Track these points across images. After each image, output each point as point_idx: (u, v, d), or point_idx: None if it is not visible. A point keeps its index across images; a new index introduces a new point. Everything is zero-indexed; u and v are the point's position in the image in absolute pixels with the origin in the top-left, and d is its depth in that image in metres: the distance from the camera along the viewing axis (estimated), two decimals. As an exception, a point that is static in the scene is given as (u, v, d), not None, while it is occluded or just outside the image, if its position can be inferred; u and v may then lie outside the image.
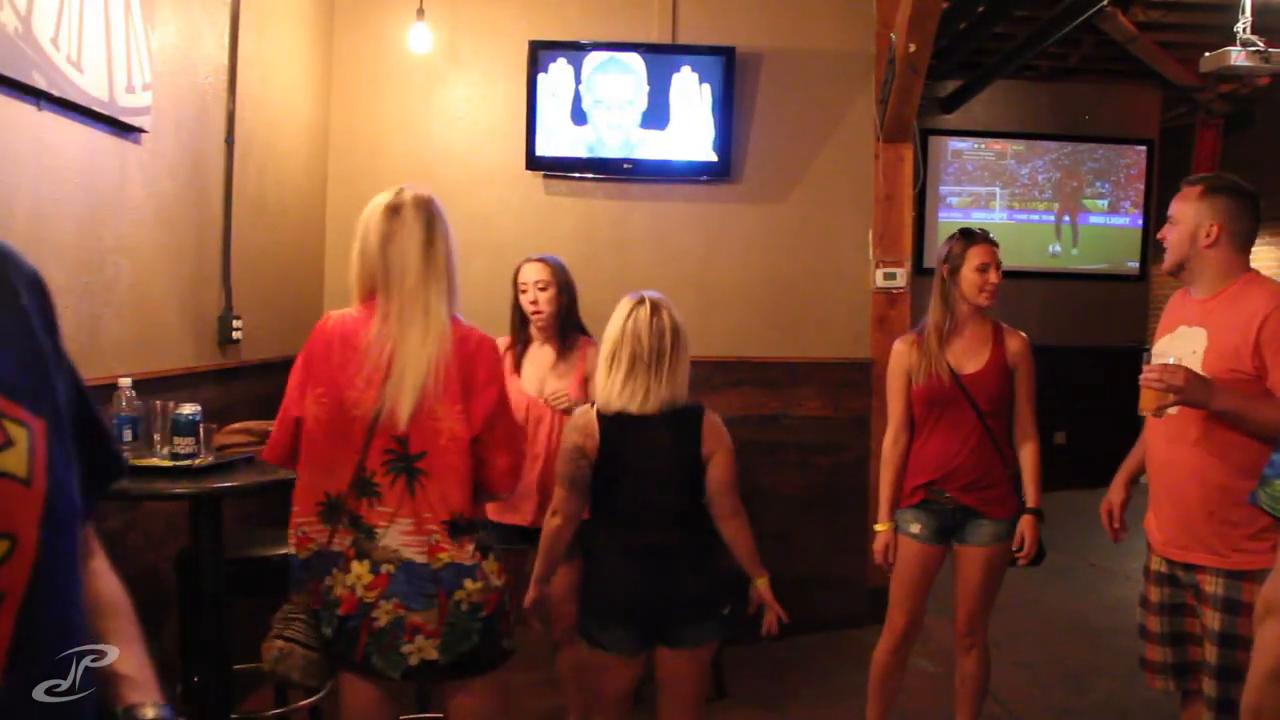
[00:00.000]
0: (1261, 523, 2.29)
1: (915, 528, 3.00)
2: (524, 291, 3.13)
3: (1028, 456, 3.01)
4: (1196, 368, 2.35)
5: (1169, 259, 2.53)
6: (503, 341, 3.14)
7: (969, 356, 2.97)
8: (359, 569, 2.08)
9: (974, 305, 2.98)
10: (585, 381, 3.14)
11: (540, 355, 3.18)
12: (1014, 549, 2.98)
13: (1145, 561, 2.64)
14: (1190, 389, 2.27)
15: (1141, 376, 2.34)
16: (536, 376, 3.16)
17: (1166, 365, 2.30)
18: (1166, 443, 2.48)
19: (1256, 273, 2.50)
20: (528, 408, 3.10)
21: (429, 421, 2.07)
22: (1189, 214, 2.49)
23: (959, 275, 2.97)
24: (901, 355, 3.04)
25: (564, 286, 3.15)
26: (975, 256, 2.96)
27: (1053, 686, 3.96)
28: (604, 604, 2.45)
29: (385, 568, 2.08)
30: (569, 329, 3.18)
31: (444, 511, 2.09)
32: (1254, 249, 2.53)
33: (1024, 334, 3.05)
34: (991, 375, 2.96)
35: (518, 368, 3.17)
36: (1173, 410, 2.40)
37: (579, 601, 2.56)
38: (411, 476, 2.08)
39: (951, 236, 3.07)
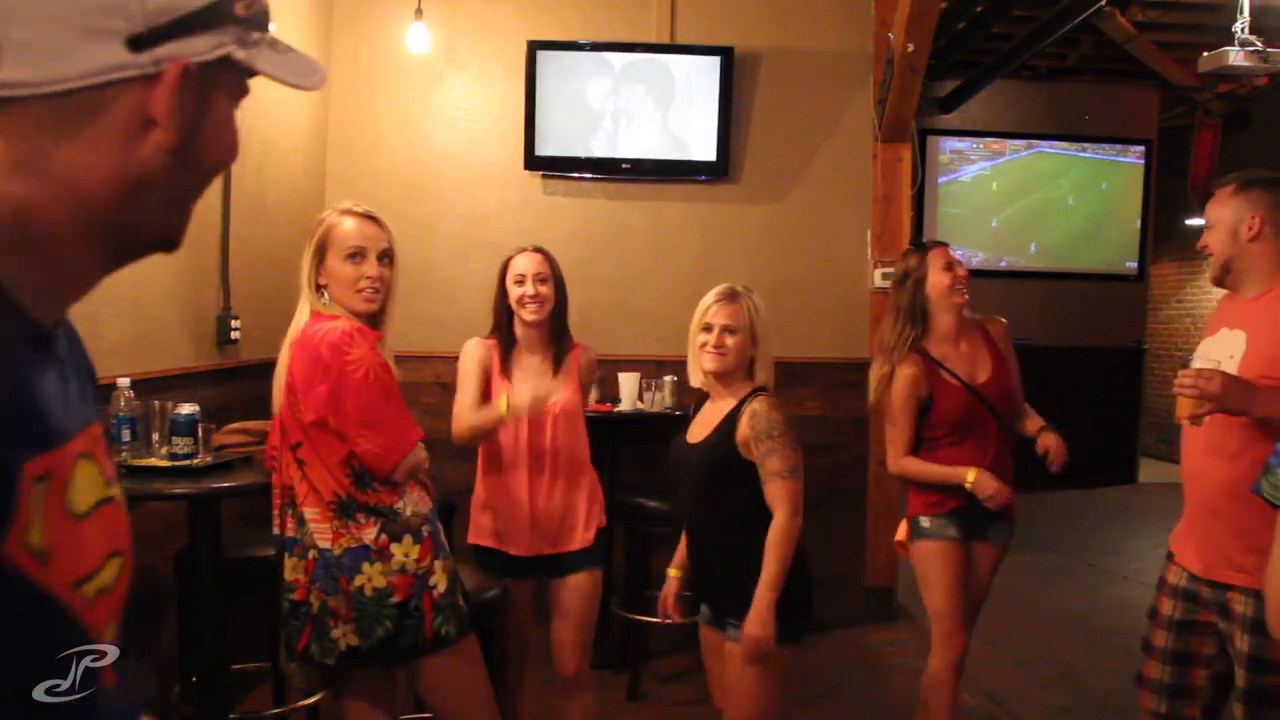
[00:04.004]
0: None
1: (953, 531, 2.92)
2: (520, 283, 2.78)
3: (1028, 411, 3.05)
4: (1232, 373, 2.23)
5: (1214, 264, 2.39)
6: (480, 342, 2.88)
7: (977, 366, 2.93)
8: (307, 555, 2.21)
9: (953, 308, 2.92)
10: (581, 390, 2.89)
11: (531, 363, 2.84)
12: (1043, 456, 2.93)
13: (1161, 572, 2.51)
14: (1228, 395, 2.13)
15: (1175, 382, 2.22)
16: (528, 387, 2.77)
17: (1202, 370, 2.18)
18: (1201, 453, 2.35)
19: None
20: (516, 422, 2.76)
21: (294, 413, 2.17)
22: (1226, 212, 2.37)
23: (926, 286, 2.92)
24: (911, 381, 2.91)
25: (560, 282, 2.86)
26: (937, 258, 2.93)
27: (1051, 686, 3.97)
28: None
29: (311, 553, 2.18)
30: (562, 332, 2.87)
31: (328, 494, 2.17)
32: None
33: (999, 317, 3.07)
34: (1001, 378, 2.94)
35: (506, 372, 2.83)
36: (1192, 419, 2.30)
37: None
38: (300, 466, 2.19)
39: (902, 257, 3.06)
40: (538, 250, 2.84)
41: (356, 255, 2.22)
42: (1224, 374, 2.17)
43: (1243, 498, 2.19)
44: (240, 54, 0.78)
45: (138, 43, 0.72)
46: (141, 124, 0.74)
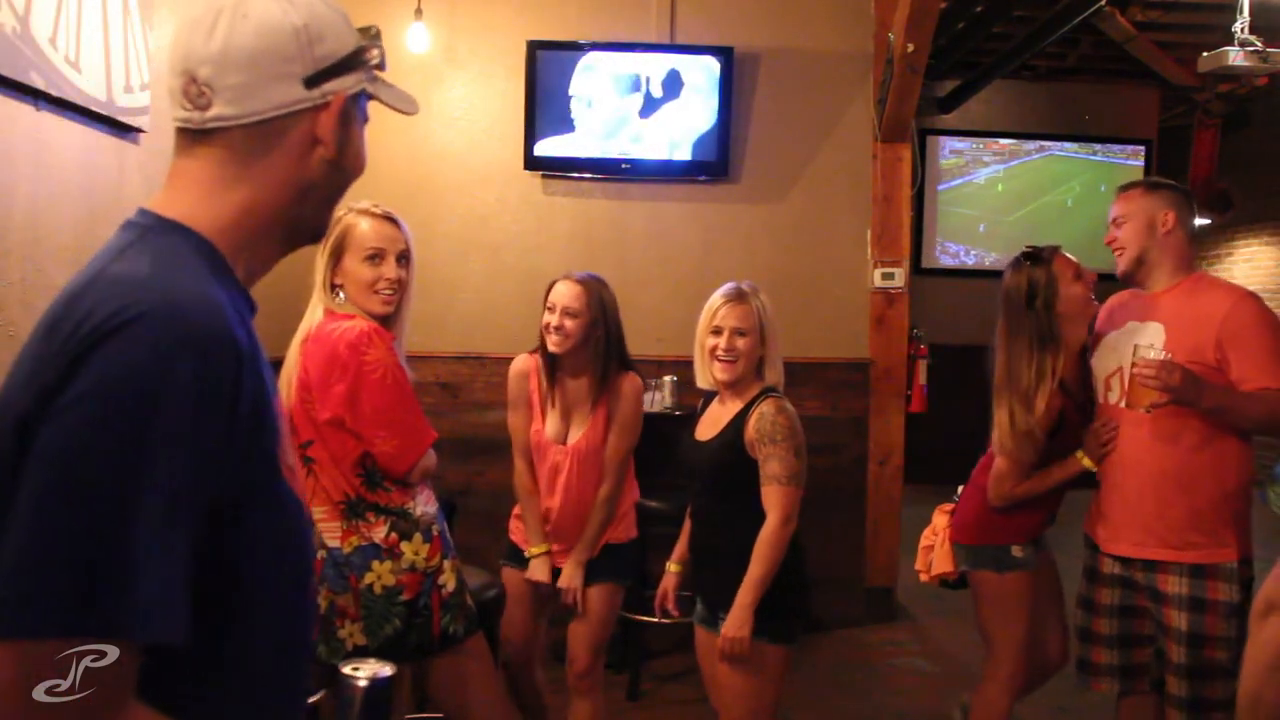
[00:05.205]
0: (1217, 517, 2.39)
1: (1035, 556, 2.72)
2: (550, 311, 2.72)
3: None
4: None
5: (1129, 254, 2.53)
6: (526, 358, 2.87)
7: (1078, 376, 2.70)
8: None
9: (1087, 320, 2.65)
10: (609, 421, 2.80)
11: (571, 388, 2.80)
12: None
13: (1090, 564, 2.64)
14: (1185, 387, 2.28)
15: (1135, 372, 2.34)
16: (563, 415, 2.81)
17: (1164, 362, 2.29)
18: (1147, 441, 2.48)
19: (1205, 272, 2.54)
20: (543, 450, 2.81)
21: (306, 410, 2.15)
22: (1140, 208, 2.52)
23: (1058, 299, 2.58)
24: (1052, 416, 2.59)
25: (599, 315, 2.72)
26: (1065, 268, 2.60)
27: (1051, 686, 3.96)
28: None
29: (320, 553, 2.17)
30: (608, 362, 2.76)
31: (337, 494, 2.16)
32: (1254, 249, 2.57)
33: None
34: (1088, 388, 2.72)
35: (547, 393, 2.81)
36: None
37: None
38: (308, 465, 2.17)
39: (1016, 269, 2.66)
40: (580, 281, 2.74)
41: (375, 257, 2.21)
42: (1183, 367, 2.30)
43: (1179, 482, 2.42)
44: (370, 88, 1.05)
45: (310, 82, 0.98)
46: (311, 142, 0.99)
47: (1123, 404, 2.49)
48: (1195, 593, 2.39)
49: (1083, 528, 2.69)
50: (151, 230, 0.94)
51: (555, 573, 2.85)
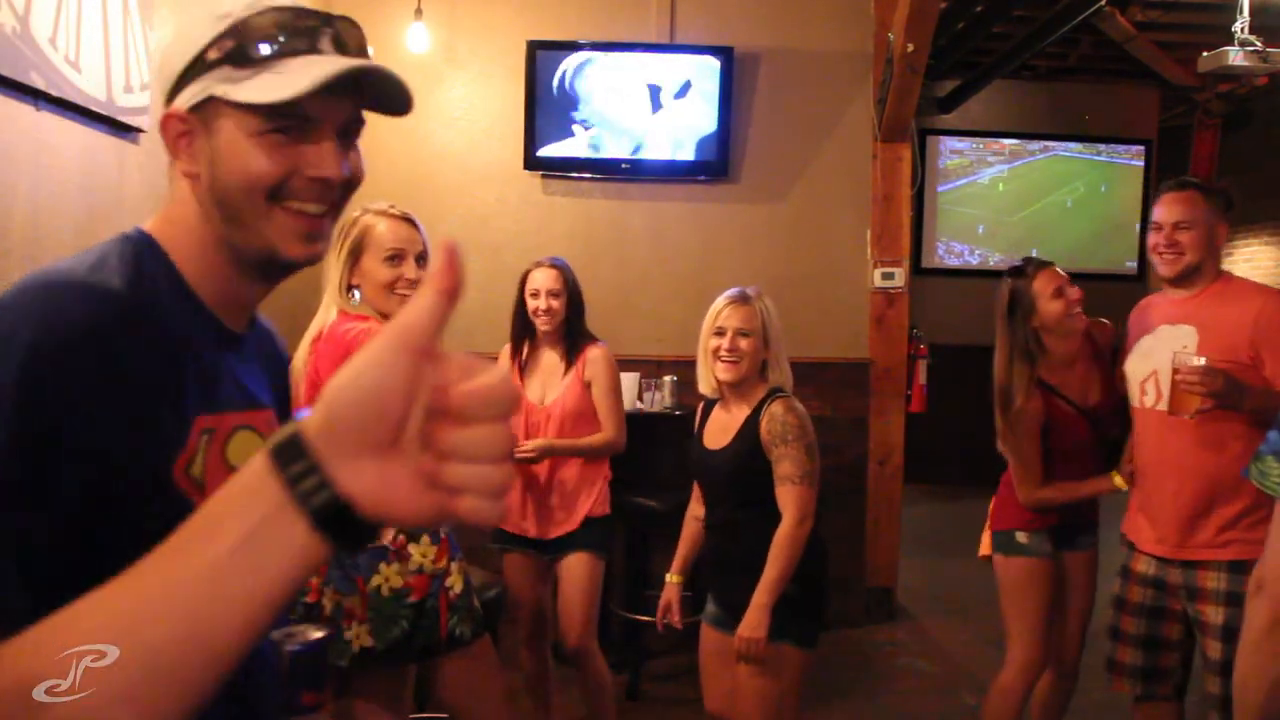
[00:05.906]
0: (1257, 513, 2.39)
1: (1048, 546, 2.77)
2: (535, 296, 3.04)
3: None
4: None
5: (1188, 260, 2.49)
6: (507, 349, 3.16)
7: (1089, 386, 2.75)
8: None
9: (1072, 334, 2.72)
10: (586, 387, 3.08)
11: (546, 360, 3.12)
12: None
13: (1125, 562, 2.65)
14: (1228, 391, 2.30)
15: (1178, 379, 2.34)
16: (540, 382, 3.11)
17: (1206, 368, 2.31)
18: (1192, 446, 2.49)
19: (1231, 272, 2.59)
20: (525, 414, 3.06)
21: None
22: (1203, 217, 2.50)
23: (1036, 313, 2.71)
24: (1035, 417, 2.70)
25: (574, 293, 3.08)
26: (1044, 286, 2.70)
27: (1051, 686, 3.96)
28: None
29: None
30: (577, 335, 3.10)
31: None
32: (1254, 249, 2.57)
33: (1105, 320, 2.88)
34: (1111, 399, 2.74)
35: (524, 374, 3.12)
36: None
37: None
38: None
39: (1003, 282, 2.80)
40: (553, 265, 3.06)
41: (395, 258, 2.21)
42: (1225, 372, 2.31)
43: (1223, 485, 2.43)
44: (219, 89, 0.91)
45: (167, 101, 0.95)
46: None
47: (1160, 406, 2.50)
48: (1233, 587, 2.40)
49: (1121, 528, 2.69)
50: (123, 238, 0.96)
51: (541, 544, 3.05)
